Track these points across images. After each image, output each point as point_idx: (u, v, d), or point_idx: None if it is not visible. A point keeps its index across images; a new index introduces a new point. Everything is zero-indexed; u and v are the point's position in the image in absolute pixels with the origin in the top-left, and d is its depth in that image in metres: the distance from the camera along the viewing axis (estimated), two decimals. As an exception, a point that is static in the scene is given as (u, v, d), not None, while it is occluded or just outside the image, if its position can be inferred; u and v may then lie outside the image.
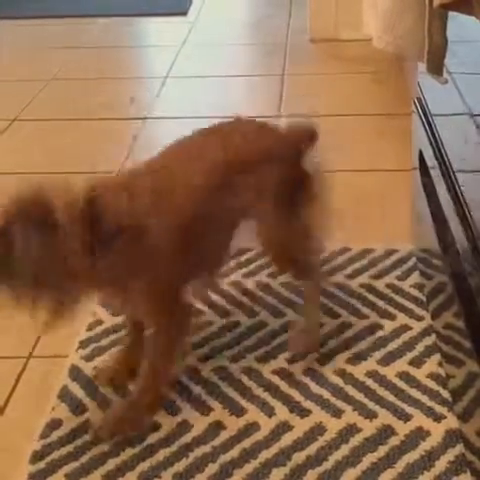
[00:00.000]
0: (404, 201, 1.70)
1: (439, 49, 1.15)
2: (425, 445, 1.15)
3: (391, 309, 1.45)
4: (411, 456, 1.14)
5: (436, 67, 1.17)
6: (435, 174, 1.37)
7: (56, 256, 1.02)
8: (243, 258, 1.61)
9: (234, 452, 1.16)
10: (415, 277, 1.54)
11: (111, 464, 1.15)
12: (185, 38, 3.12)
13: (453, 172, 1.25)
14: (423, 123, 1.47)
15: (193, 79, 2.71)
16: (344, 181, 1.96)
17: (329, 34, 2.92)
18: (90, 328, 1.44)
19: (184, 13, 3.43)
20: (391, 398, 1.24)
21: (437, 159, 1.34)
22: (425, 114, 1.47)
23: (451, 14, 1.16)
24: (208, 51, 3.02)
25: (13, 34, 3.28)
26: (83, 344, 1.40)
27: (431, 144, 1.40)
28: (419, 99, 1.51)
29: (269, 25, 3.23)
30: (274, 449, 1.16)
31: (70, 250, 1.02)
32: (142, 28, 3.41)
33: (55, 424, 1.23)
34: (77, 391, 1.29)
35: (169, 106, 2.49)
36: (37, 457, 1.17)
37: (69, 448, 1.18)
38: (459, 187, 1.20)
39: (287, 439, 1.18)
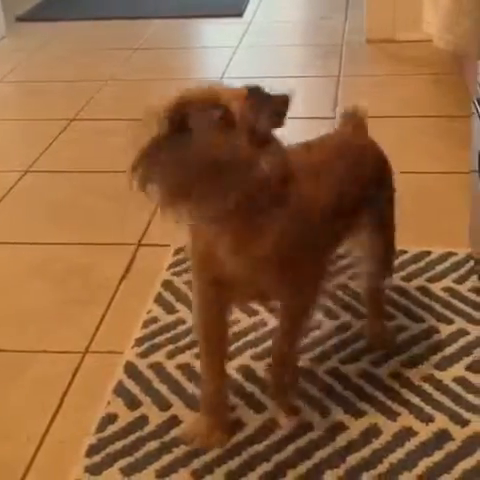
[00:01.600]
0: (462, 204, 1.67)
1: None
2: (483, 451, 1.14)
3: (448, 313, 1.43)
4: (468, 462, 1.12)
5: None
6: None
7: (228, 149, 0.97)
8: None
9: (288, 452, 1.16)
10: (473, 281, 1.51)
11: (165, 460, 1.16)
12: (241, 39, 3.13)
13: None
14: (484, 124, 1.44)
15: (248, 80, 2.69)
16: (402, 183, 1.94)
17: (386, 34, 2.89)
18: (145, 326, 1.46)
19: (240, 14, 3.44)
20: (448, 403, 1.23)
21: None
22: (486, 115, 1.44)
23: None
24: (264, 52, 3.02)
25: (70, 36, 3.34)
26: (139, 341, 1.42)
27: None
28: (479, 100, 1.48)
29: (325, 26, 3.22)
30: (328, 449, 1.16)
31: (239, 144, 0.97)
32: (198, 29, 3.43)
33: (111, 418, 1.24)
34: (132, 387, 1.31)
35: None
36: (93, 451, 1.18)
37: (124, 443, 1.19)
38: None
39: (342, 440, 1.17)
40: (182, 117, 0.97)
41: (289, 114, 1.19)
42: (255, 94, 1.03)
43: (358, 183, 1.24)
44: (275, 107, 1.01)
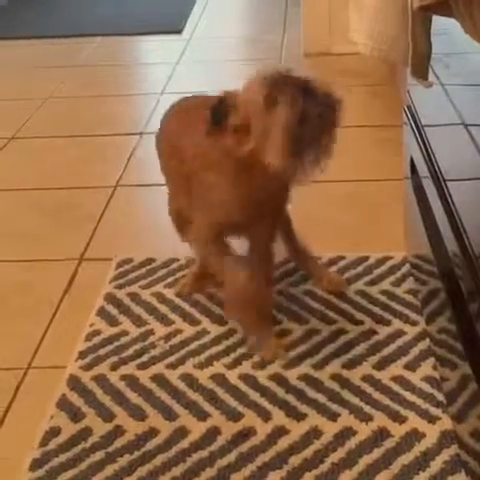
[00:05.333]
0: (397, 209, 1.72)
1: (423, 53, 1.17)
2: (420, 446, 1.16)
3: (386, 315, 1.47)
4: (406, 457, 1.15)
5: (421, 71, 1.19)
6: (426, 182, 1.39)
7: None
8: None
9: (231, 456, 1.17)
10: (409, 283, 1.55)
11: (109, 470, 1.16)
12: (180, 55, 3.16)
13: (444, 180, 1.27)
14: (414, 132, 1.49)
15: (188, 95, 2.74)
16: (339, 191, 1.98)
17: (322, 48, 2.96)
18: (88, 339, 1.46)
19: (179, 31, 3.47)
20: (386, 401, 1.26)
21: (428, 168, 1.36)
22: (415, 122, 1.49)
23: (444, 28, 1.18)
24: (203, 68, 3.05)
25: (10, 54, 3.32)
26: (82, 354, 1.42)
27: (422, 153, 1.42)
28: (409, 107, 1.53)
29: (264, 41, 3.27)
30: (271, 453, 1.17)
31: None
32: (138, 47, 3.45)
33: (54, 432, 1.24)
34: (76, 400, 1.31)
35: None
36: (37, 465, 1.18)
37: (68, 455, 1.19)
38: (450, 195, 1.22)
39: (284, 443, 1.19)
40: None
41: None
42: None
43: None
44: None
